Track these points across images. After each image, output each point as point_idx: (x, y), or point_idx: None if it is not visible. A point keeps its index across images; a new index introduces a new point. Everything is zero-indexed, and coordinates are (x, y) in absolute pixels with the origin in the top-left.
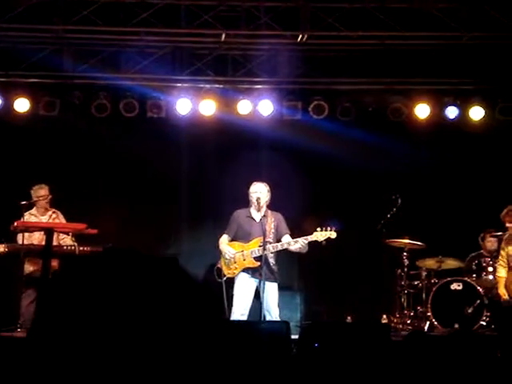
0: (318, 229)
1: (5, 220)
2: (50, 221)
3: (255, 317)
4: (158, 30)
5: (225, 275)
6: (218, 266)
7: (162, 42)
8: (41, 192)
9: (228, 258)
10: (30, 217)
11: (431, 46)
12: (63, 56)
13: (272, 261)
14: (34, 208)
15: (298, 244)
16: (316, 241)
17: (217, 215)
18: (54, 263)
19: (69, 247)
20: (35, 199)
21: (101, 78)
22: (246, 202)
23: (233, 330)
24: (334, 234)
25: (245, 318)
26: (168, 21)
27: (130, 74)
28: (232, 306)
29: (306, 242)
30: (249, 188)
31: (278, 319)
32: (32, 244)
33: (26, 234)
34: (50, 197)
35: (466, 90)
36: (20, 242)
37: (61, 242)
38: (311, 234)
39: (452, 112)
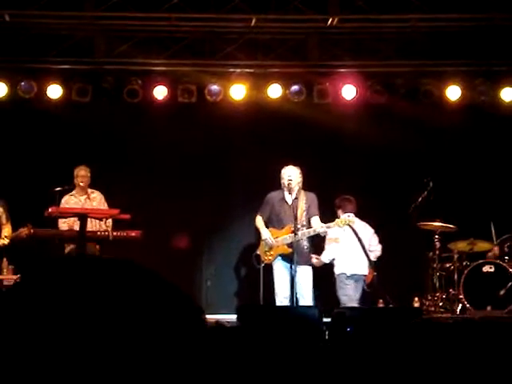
0: (342, 215)
1: (41, 206)
2: (89, 200)
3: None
4: (189, 15)
5: (263, 262)
6: (257, 252)
7: (192, 27)
8: (79, 174)
9: (269, 244)
10: (69, 198)
11: (462, 27)
12: (95, 42)
13: (305, 245)
14: (74, 190)
15: (320, 230)
16: (338, 227)
17: (248, 197)
18: (97, 246)
19: (103, 232)
20: (74, 180)
21: (132, 63)
22: (277, 185)
23: (264, 314)
24: (353, 222)
25: (287, 300)
26: (198, 6)
27: (162, 60)
28: (274, 290)
29: (329, 229)
30: (280, 171)
31: (312, 303)
32: (67, 230)
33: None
34: (88, 179)
35: (498, 71)
36: (60, 226)
37: (102, 224)
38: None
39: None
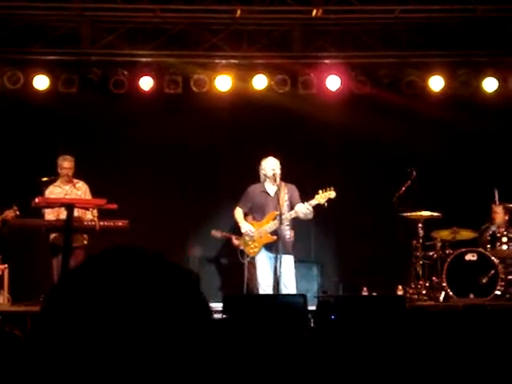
0: (320, 191)
1: (27, 196)
2: (74, 189)
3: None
4: (174, 6)
5: (247, 255)
6: (241, 247)
7: (178, 18)
8: (64, 164)
9: (249, 238)
10: (54, 188)
11: (445, 18)
12: (81, 33)
13: (287, 234)
14: (58, 180)
15: (302, 209)
16: (319, 204)
17: (234, 188)
18: (85, 236)
19: (89, 222)
20: (58, 170)
21: (118, 54)
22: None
23: (250, 303)
24: (333, 194)
25: (270, 288)
26: None
27: (147, 50)
28: (257, 279)
29: (310, 207)
30: (260, 163)
31: (295, 292)
32: (54, 220)
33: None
34: (73, 169)
35: (480, 61)
36: (45, 216)
37: (88, 214)
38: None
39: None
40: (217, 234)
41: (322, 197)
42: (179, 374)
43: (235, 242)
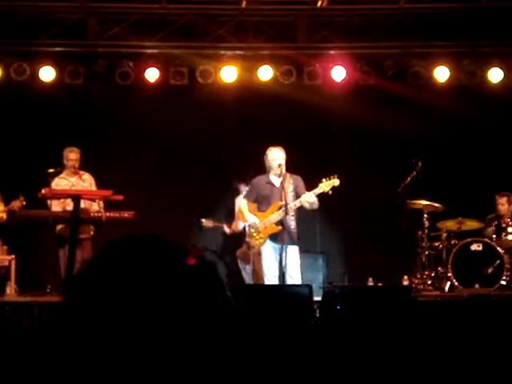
0: (324, 179)
1: (34, 187)
2: (81, 181)
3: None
4: None
5: (253, 247)
6: (247, 239)
7: (184, 9)
8: (70, 155)
9: (256, 227)
10: (60, 180)
11: (449, 8)
12: (87, 25)
13: (292, 224)
14: (64, 172)
15: (307, 198)
16: (323, 192)
17: (239, 179)
18: (91, 227)
19: (95, 214)
20: (64, 162)
21: (124, 45)
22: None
23: (256, 293)
24: (337, 182)
25: (276, 279)
26: None
27: (153, 42)
28: (262, 270)
29: (315, 195)
30: (265, 154)
31: (300, 282)
32: (60, 211)
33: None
34: (79, 161)
35: (485, 52)
36: (52, 208)
37: (94, 205)
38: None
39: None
40: (209, 223)
41: (326, 185)
42: (202, 359)
43: (226, 229)
